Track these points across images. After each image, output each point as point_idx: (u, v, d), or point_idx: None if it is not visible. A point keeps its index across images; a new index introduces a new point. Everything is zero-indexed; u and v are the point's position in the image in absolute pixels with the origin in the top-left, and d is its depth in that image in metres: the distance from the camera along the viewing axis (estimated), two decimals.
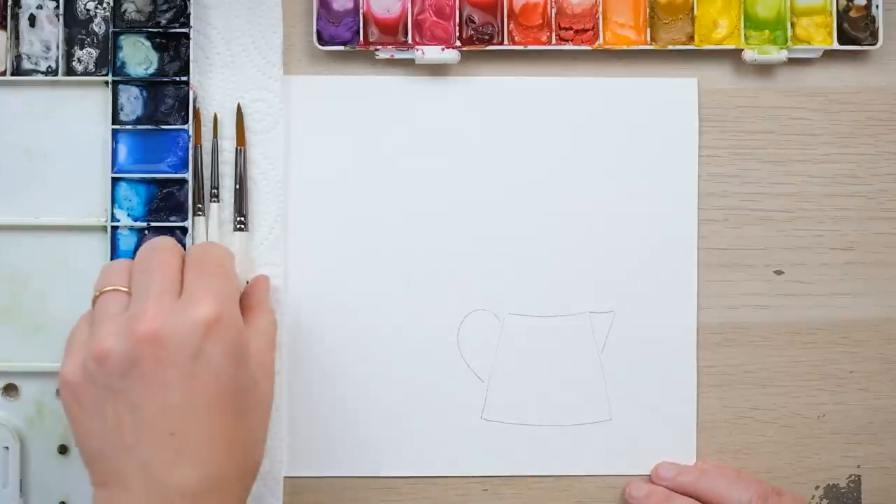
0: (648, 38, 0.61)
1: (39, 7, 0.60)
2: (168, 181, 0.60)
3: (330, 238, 0.61)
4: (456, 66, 0.61)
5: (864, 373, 0.62)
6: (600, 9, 0.61)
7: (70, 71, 0.60)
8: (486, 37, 0.61)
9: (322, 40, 0.61)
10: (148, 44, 0.60)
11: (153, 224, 0.60)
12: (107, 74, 0.60)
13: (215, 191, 0.60)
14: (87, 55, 0.61)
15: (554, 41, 0.61)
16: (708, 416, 0.62)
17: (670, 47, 0.61)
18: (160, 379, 0.50)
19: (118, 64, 0.60)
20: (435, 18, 0.61)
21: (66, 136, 0.61)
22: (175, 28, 0.60)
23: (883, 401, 0.62)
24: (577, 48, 0.61)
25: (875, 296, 0.62)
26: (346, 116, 0.61)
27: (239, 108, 0.60)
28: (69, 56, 0.60)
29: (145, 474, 0.50)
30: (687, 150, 0.62)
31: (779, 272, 0.62)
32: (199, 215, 0.60)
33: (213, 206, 0.60)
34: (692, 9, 0.61)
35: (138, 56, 0.60)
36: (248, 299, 0.58)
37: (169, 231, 0.60)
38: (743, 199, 0.62)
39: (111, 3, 0.60)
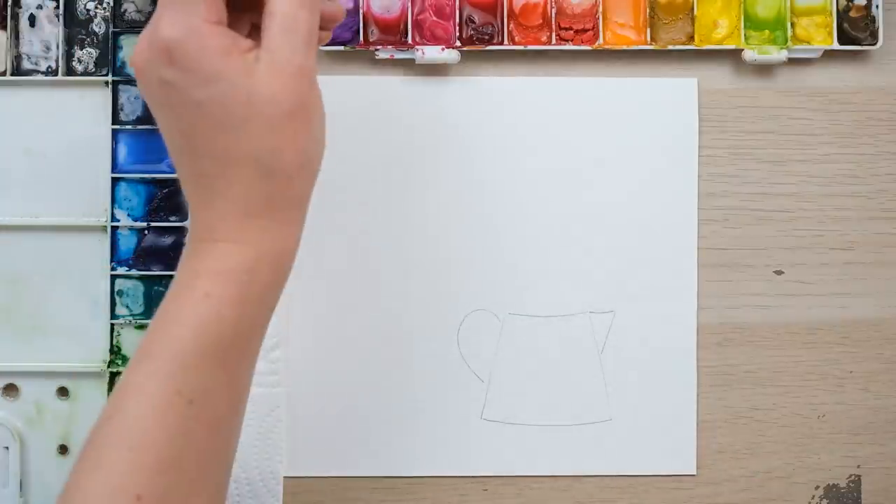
0: (648, 38, 0.61)
1: (39, 7, 0.60)
2: (168, 181, 0.60)
3: (329, 238, 0.61)
4: (456, 66, 0.61)
5: (864, 373, 0.62)
6: (600, 9, 0.61)
7: (70, 71, 0.60)
8: (486, 37, 0.61)
9: None
10: None
11: (153, 224, 0.60)
12: (107, 74, 0.60)
13: None
14: (87, 55, 0.61)
15: (554, 41, 0.61)
16: (708, 416, 0.62)
17: (670, 47, 0.61)
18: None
19: (118, 64, 0.60)
20: (435, 18, 0.61)
21: (66, 136, 0.61)
22: None
23: (883, 401, 0.62)
24: (577, 48, 0.61)
25: (875, 296, 0.62)
26: (346, 116, 0.61)
27: None
28: (69, 56, 0.60)
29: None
30: (687, 150, 0.62)
31: (779, 272, 0.62)
32: None
33: None
34: (692, 9, 0.61)
35: None
36: None
37: (169, 231, 0.60)
38: (743, 199, 0.62)
39: (111, 3, 0.60)
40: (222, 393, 0.47)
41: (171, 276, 0.60)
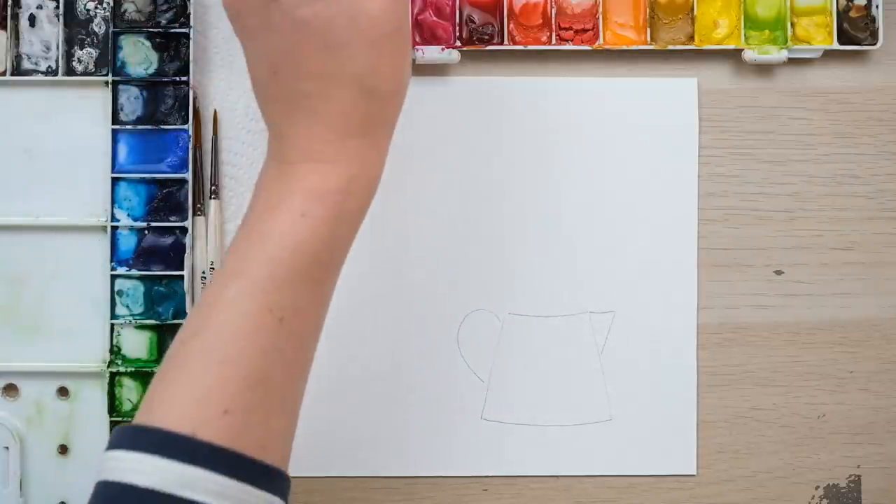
0: (648, 38, 0.61)
1: (39, 7, 0.60)
2: (168, 181, 0.60)
3: None
4: (456, 66, 0.61)
5: (864, 373, 0.62)
6: (600, 9, 0.61)
7: (70, 71, 0.60)
8: (486, 37, 0.61)
9: None
10: (148, 44, 0.60)
11: (153, 224, 0.60)
12: (107, 74, 0.60)
13: (214, 188, 0.60)
14: (87, 55, 0.61)
15: (554, 41, 0.61)
16: (708, 416, 0.62)
17: (670, 47, 0.61)
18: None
19: (118, 64, 0.60)
20: (435, 18, 0.61)
21: (66, 136, 0.61)
22: (175, 28, 0.60)
23: (883, 401, 0.62)
24: (577, 48, 0.61)
25: (875, 296, 0.62)
26: None
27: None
28: (69, 56, 0.60)
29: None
30: (687, 150, 0.62)
31: (779, 272, 0.62)
32: (198, 215, 0.60)
33: (213, 203, 0.60)
34: (692, 9, 0.61)
35: (138, 56, 0.60)
36: None
37: (169, 231, 0.60)
38: (743, 199, 0.62)
39: (111, 3, 0.60)
40: (310, 311, 0.48)
41: (170, 276, 0.60)
